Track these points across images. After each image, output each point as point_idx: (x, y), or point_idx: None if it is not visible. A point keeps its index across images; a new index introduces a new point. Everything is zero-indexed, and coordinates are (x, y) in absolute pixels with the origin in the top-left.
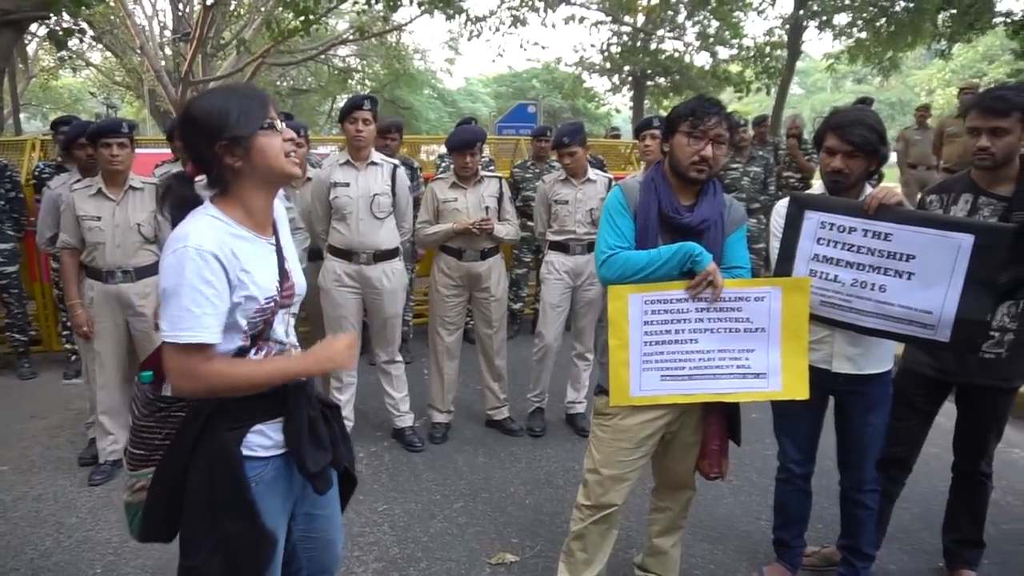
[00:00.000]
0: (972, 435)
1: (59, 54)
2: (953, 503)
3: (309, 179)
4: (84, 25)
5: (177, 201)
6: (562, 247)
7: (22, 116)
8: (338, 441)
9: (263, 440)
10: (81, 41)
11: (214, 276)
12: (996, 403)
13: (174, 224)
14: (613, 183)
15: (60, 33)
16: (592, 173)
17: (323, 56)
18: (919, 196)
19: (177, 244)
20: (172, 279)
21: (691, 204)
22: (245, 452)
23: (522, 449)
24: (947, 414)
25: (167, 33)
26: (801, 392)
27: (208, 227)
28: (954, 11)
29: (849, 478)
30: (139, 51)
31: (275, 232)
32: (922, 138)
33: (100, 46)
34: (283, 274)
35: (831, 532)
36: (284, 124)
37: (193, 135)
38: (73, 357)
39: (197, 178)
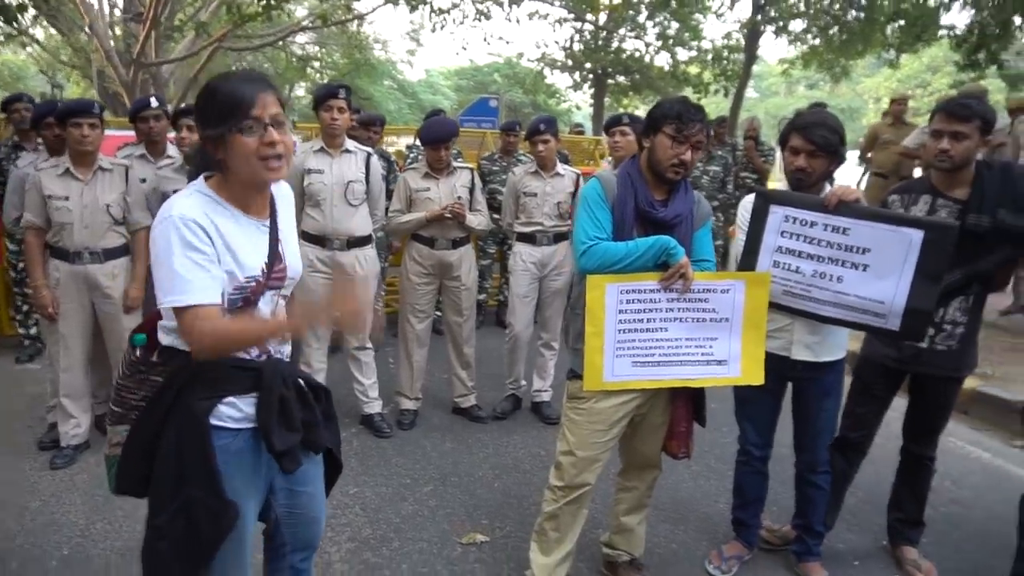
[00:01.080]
0: (923, 421)
1: (5, 29)
2: (898, 485)
3: None
4: (26, 1)
5: (199, 166)
6: (529, 238)
7: None
8: (318, 422)
9: (233, 412)
10: (30, 19)
11: (199, 241)
12: (947, 392)
13: None
14: (581, 178)
15: (12, 8)
16: (561, 168)
17: (281, 43)
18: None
19: (162, 215)
20: (159, 247)
21: (664, 199)
22: (214, 422)
23: (489, 436)
24: (893, 407)
25: (117, 12)
26: (757, 378)
27: (194, 200)
28: (902, 23)
29: (803, 460)
30: (87, 30)
31: (273, 215)
32: (896, 138)
33: (44, 23)
34: (274, 256)
35: (784, 514)
36: (273, 124)
37: (195, 116)
38: (27, 342)
39: None
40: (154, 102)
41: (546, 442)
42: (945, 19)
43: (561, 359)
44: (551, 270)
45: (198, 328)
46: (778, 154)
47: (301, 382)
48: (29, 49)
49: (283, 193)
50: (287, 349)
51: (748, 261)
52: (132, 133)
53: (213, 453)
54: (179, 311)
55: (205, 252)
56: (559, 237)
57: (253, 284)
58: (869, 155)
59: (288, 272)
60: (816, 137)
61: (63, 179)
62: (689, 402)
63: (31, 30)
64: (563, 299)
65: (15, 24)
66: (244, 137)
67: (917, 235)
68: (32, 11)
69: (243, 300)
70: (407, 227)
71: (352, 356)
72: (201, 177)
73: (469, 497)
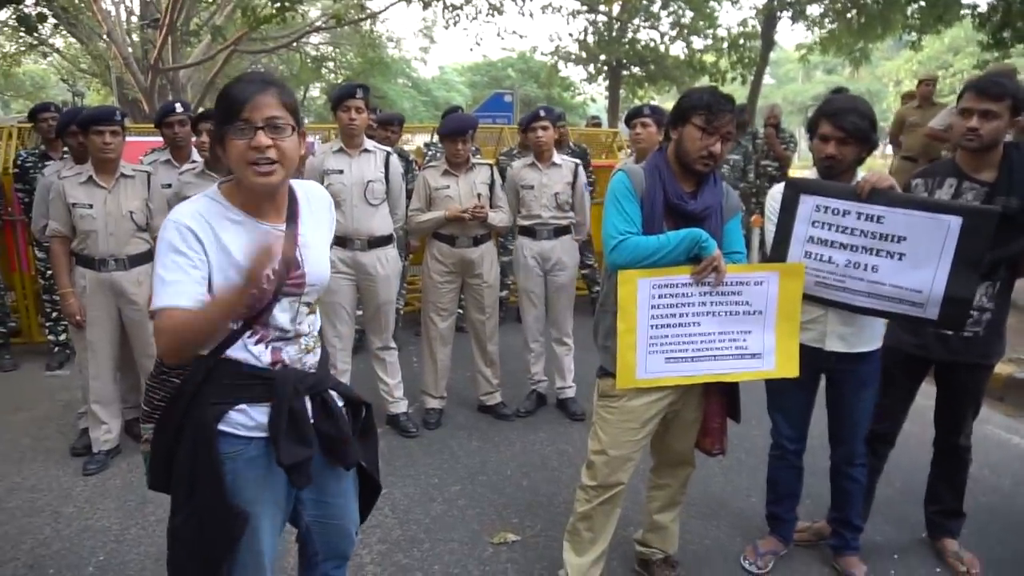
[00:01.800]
0: (952, 410)
1: (27, 40)
2: (934, 476)
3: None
4: (46, 11)
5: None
6: (529, 232)
7: None
8: (344, 435)
9: (245, 420)
10: (51, 28)
11: (187, 247)
12: (975, 379)
13: None
14: (580, 167)
15: (32, 18)
16: (558, 157)
17: (296, 44)
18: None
19: (165, 220)
20: (156, 251)
21: (693, 191)
22: (225, 428)
23: (515, 433)
24: (924, 393)
25: (135, 19)
26: (792, 371)
27: (196, 206)
28: (923, 3)
29: (839, 453)
30: (106, 37)
31: (294, 219)
32: (923, 120)
33: (64, 32)
34: (289, 261)
35: (819, 508)
36: (265, 126)
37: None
38: (56, 348)
39: None
40: (179, 107)
41: (572, 439)
42: None
43: (578, 354)
44: (553, 265)
45: (160, 329)
46: (803, 141)
47: (333, 395)
48: (50, 58)
49: (316, 196)
50: (310, 360)
51: (779, 252)
52: (152, 139)
53: (220, 459)
54: (155, 313)
55: (188, 256)
56: (560, 231)
57: (255, 291)
58: (900, 139)
59: (308, 279)
60: (846, 123)
61: (86, 187)
62: (722, 397)
63: (51, 40)
64: (568, 295)
65: (36, 34)
66: (234, 139)
67: (955, 222)
68: (52, 21)
69: (247, 307)
70: (427, 226)
71: (376, 356)
72: (216, 183)
73: (498, 496)
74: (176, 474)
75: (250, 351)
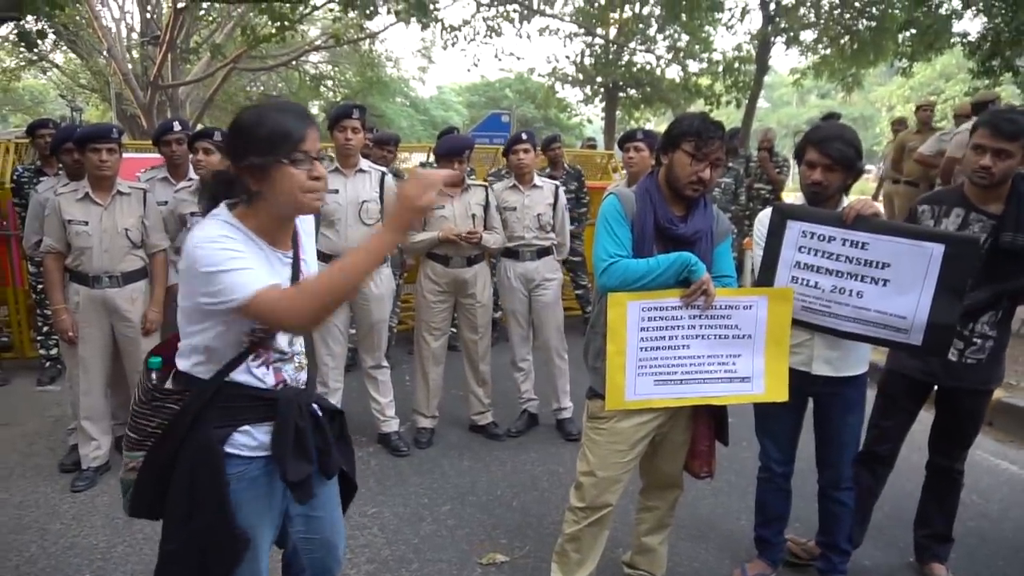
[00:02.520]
0: (951, 435)
1: (27, 55)
2: (925, 500)
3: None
4: (46, 27)
5: (212, 196)
6: (513, 253)
7: None
8: (330, 446)
9: (248, 440)
10: (51, 44)
11: (236, 244)
12: (976, 404)
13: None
14: (560, 189)
15: (33, 34)
16: (539, 180)
17: (295, 62)
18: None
19: (192, 244)
20: (206, 263)
21: (683, 215)
22: (229, 450)
23: (506, 453)
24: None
25: (135, 36)
26: (781, 395)
27: (219, 226)
28: (914, 31)
29: (827, 477)
30: (106, 54)
31: (295, 245)
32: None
33: (64, 47)
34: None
35: (808, 531)
36: (319, 158)
37: (229, 145)
38: (47, 364)
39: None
40: (177, 126)
41: (563, 459)
42: (958, 27)
43: (573, 374)
44: (536, 285)
45: (283, 306)
46: (794, 166)
47: (316, 407)
48: (49, 74)
49: (304, 220)
50: (302, 376)
51: (766, 276)
52: (151, 156)
53: (226, 482)
54: (252, 304)
55: (245, 252)
56: (542, 252)
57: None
58: (901, 165)
59: None
60: (832, 151)
61: (82, 203)
62: (711, 420)
63: (51, 55)
64: (555, 314)
65: (36, 49)
66: (294, 169)
67: (938, 249)
68: (52, 36)
69: (263, 330)
70: (420, 246)
71: (368, 375)
72: (224, 205)
73: (488, 516)
74: (172, 499)
75: (254, 374)
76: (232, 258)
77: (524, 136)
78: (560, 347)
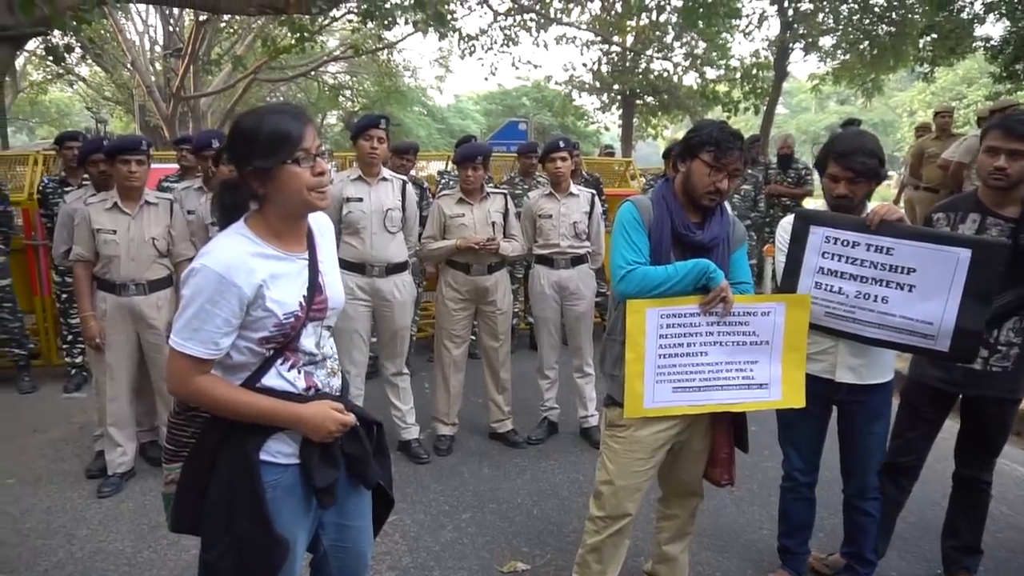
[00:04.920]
0: (978, 444)
1: (54, 69)
2: (953, 511)
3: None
4: (72, 42)
5: (224, 208)
6: (547, 261)
7: (8, 130)
8: (368, 457)
9: (283, 447)
10: (77, 58)
11: (223, 298)
12: (1003, 413)
13: (222, 228)
14: (596, 197)
15: (60, 48)
16: (575, 188)
17: (314, 72)
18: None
19: (200, 259)
20: (188, 291)
21: (700, 222)
22: (265, 457)
23: (526, 461)
24: (942, 427)
25: (158, 48)
26: (798, 401)
27: (232, 245)
28: (935, 36)
29: (852, 486)
30: (130, 66)
31: (312, 247)
32: (942, 151)
33: (90, 60)
34: (314, 288)
35: (833, 542)
36: (320, 156)
37: (231, 151)
38: (73, 371)
39: None
40: (216, 143)
41: (583, 467)
42: (979, 31)
43: (599, 383)
44: (570, 294)
45: (191, 379)
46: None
47: (352, 416)
48: (76, 87)
49: (322, 224)
50: (335, 383)
51: (789, 282)
52: (165, 166)
53: (263, 489)
54: (178, 353)
55: (223, 311)
56: (577, 260)
57: (292, 320)
58: (920, 172)
59: (330, 303)
60: (856, 165)
61: (111, 213)
62: (730, 427)
63: (77, 68)
64: (587, 324)
65: (63, 63)
66: (297, 168)
67: (964, 254)
68: (78, 50)
69: (283, 335)
70: (438, 254)
71: (389, 382)
72: (242, 219)
73: (508, 524)
74: (210, 508)
75: (284, 377)
76: (201, 309)
77: (562, 144)
78: (589, 356)
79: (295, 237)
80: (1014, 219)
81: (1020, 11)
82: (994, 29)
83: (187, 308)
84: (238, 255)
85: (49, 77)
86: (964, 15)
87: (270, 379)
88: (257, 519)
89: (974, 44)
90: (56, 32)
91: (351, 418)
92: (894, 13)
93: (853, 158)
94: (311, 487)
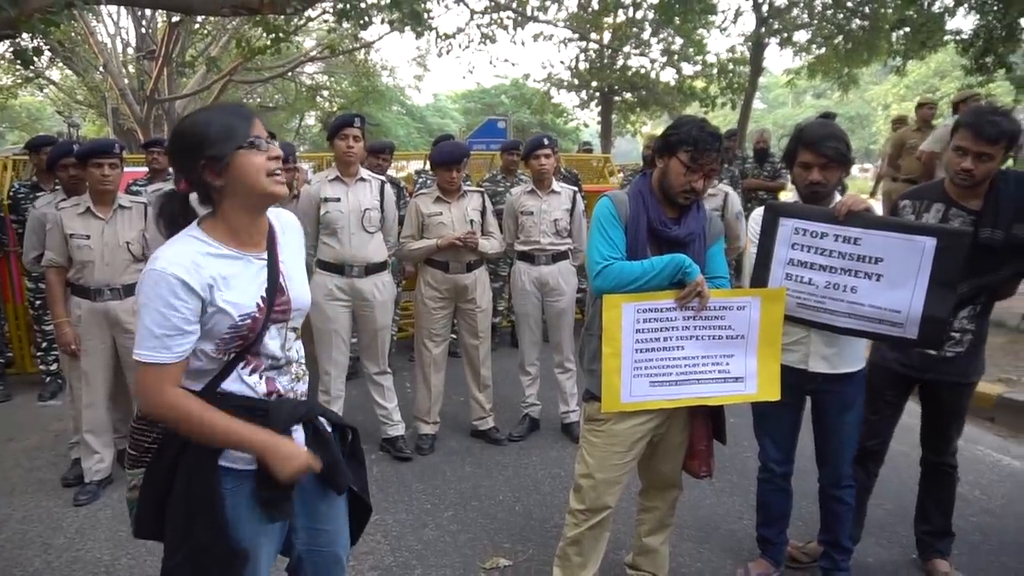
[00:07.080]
0: (937, 428)
1: (23, 73)
2: (922, 496)
3: (296, 196)
4: (41, 45)
5: (170, 218)
6: (528, 257)
7: None
8: (338, 461)
9: (243, 453)
10: (47, 61)
11: (179, 300)
12: (957, 397)
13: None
14: (578, 195)
15: (29, 52)
16: (557, 185)
17: (291, 73)
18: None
19: (151, 264)
20: (141, 298)
21: (677, 217)
22: (224, 463)
23: (508, 458)
24: (912, 413)
25: (130, 51)
26: (774, 394)
27: (181, 247)
28: (907, 30)
29: (826, 475)
30: (102, 69)
31: (272, 246)
32: (921, 143)
33: (60, 64)
34: (274, 289)
35: (810, 530)
36: (270, 143)
37: (178, 153)
38: (48, 379)
39: (192, 195)
40: None
41: (565, 462)
42: (951, 24)
43: (579, 378)
44: (550, 290)
45: (160, 389)
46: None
47: (323, 421)
48: (46, 91)
49: (286, 222)
50: (301, 387)
51: (760, 275)
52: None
53: (221, 497)
54: (144, 365)
55: (182, 313)
56: (557, 257)
57: (249, 321)
58: (899, 162)
59: (293, 304)
60: (828, 150)
61: (84, 218)
62: (708, 420)
63: (47, 72)
64: (568, 320)
65: (32, 67)
66: (253, 151)
67: (930, 242)
68: (48, 53)
69: (240, 338)
70: (418, 254)
71: (373, 381)
72: (195, 223)
73: (490, 521)
74: (170, 515)
75: (245, 382)
76: (158, 313)
77: (546, 141)
78: (570, 351)
79: (253, 236)
80: (976, 211)
81: (989, 4)
82: (965, 22)
83: (144, 316)
84: (188, 255)
85: (19, 81)
86: (935, 8)
87: (230, 383)
88: (215, 527)
89: (945, 38)
90: (24, 35)
91: (318, 465)
92: (867, 7)
93: (825, 143)
94: (255, 495)
